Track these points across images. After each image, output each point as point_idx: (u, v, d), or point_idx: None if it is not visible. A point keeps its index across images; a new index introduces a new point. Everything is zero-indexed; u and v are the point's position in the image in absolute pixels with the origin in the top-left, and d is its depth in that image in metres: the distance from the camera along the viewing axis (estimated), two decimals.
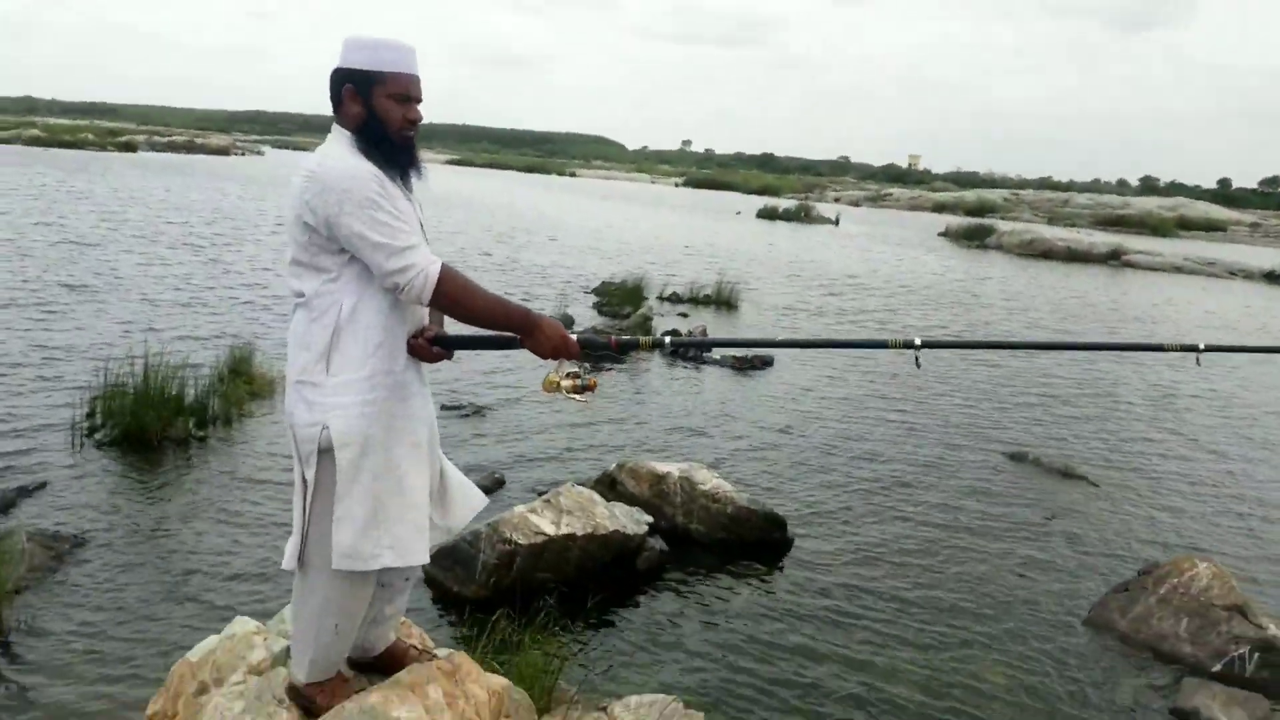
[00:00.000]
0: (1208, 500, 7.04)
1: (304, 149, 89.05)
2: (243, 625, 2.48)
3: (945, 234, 35.67)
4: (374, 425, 2.05)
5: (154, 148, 57.42)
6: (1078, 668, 4.42)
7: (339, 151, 2.04)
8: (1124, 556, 5.76)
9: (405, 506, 2.11)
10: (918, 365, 2.47)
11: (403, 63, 2.05)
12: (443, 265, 2.01)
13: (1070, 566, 5.59)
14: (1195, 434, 8.95)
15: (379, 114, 2.04)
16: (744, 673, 4.15)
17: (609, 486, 5.87)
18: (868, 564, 5.40)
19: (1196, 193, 77.97)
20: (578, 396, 2.15)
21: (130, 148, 53.25)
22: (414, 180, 2.14)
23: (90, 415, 6.41)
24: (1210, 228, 48.96)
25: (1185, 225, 47.97)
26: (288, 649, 2.34)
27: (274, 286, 12.36)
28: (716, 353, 10.71)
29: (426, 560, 2.17)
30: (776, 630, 4.56)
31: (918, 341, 2.33)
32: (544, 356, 2.13)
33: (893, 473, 7.06)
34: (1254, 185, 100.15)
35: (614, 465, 6.02)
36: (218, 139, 75.06)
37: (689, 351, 10.74)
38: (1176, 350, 2.72)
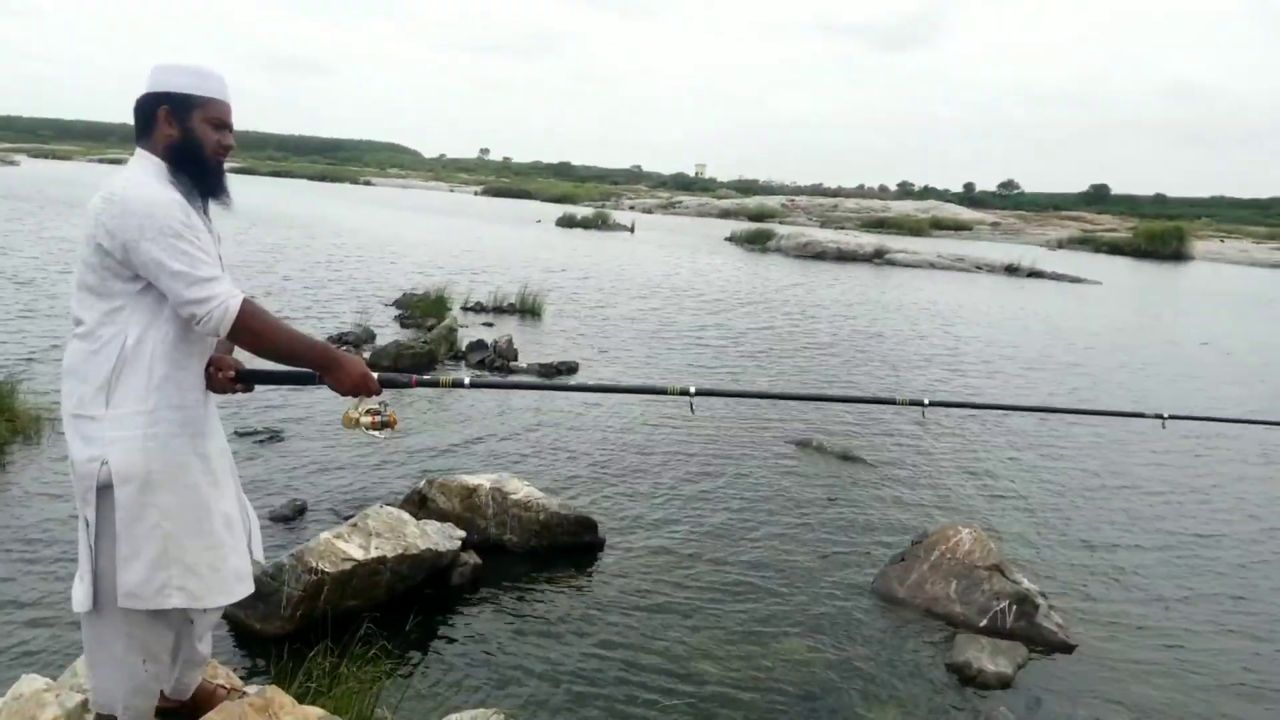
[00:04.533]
0: (968, 470, 7.87)
1: (65, 158, 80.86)
2: (30, 684, 2.30)
3: (731, 238, 37.45)
4: (157, 461, 1.99)
5: None
6: (865, 635, 4.85)
7: (142, 177, 2.00)
8: (900, 529, 6.35)
9: (202, 546, 2.05)
10: (692, 411, 2.74)
11: (220, 90, 2.08)
12: (244, 299, 1.99)
13: (854, 542, 6.10)
14: (952, 415, 9.94)
15: (196, 137, 2.04)
16: (563, 678, 4.24)
17: (419, 504, 5.80)
18: (674, 556, 5.65)
19: (946, 196, 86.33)
20: (377, 433, 2.18)
21: None
22: (214, 209, 2.12)
23: None
24: (959, 227, 54.44)
25: (938, 225, 53.03)
26: (84, 703, 2.20)
27: (36, 309, 11.19)
28: (523, 360, 10.77)
29: (228, 601, 2.12)
30: (592, 631, 4.69)
31: (693, 390, 2.60)
32: (344, 394, 2.13)
33: (693, 466, 7.40)
34: (993, 188, 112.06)
35: (423, 482, 5.95)
36: None
37: (496, 361, 10.74)
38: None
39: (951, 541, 5.41)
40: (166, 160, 2.02)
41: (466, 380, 2.37)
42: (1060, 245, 47.34)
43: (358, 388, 2.11)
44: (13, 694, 2.26)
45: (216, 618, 2.27)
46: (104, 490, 1.95)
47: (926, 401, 3.11)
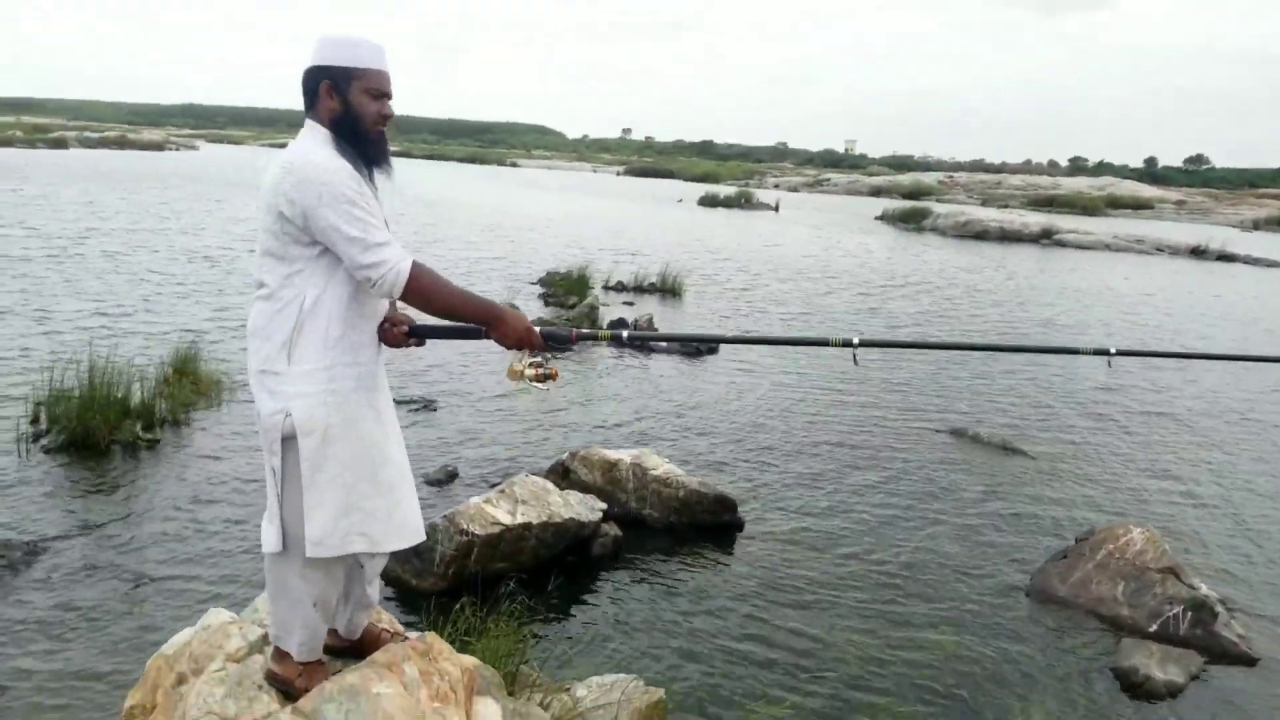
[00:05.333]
0: (1138, 468, 7.35)
1: (239, 143, 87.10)
2: (217, 616, 2.50)
3: (883, 217, 36.26)
4: (336, 414, 2.10)
5: (85, 144, 55.56)
6: (1021, 634, 4.61)
7: (314, 146, 2.08)
8: (1062, 525, 6.00)
9: (379, 493, 2.17)
10: (855, 363, 2.65)
11: (377, 59, 2.12)
12: (414, 262, 2.07)
13: (1011, 537, 5.80)
14: (1121, 405, 9.30)
15: (355, 109, 2.09)
16: (700, 651, 4.24)
17: (562, 475, 5.93)
18: (817, 541, 5.54)
19: (1124, 172, 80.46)
20: (540, 385, 2.23)
21: (60, 144, 51.43)
22: (380, 177, 2.19)
23: (35, 421, 6.26)
24: (1138, 206, 50.63)
25: (1114, 204, 49.55)
26: (264, 636, 2.36)
27: (219, 285, 12.11)
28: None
29: (402, 545, 2.23)
30: (729, 609, 4.66)
31: (855, 340, 2.51)
32: (509, 347, 2.21)
33: (839, 450, 7.23)
34: (1179, 163, 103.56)
35: (566, 455, 6.07)
36: (151, 134, 72.80)
37: (637, 339, 10.83)
38: (1090, 354, 2.91)
39: (1121, 540, 5.07)
40: (332, 131, 2.10)
41: (625, 334, 2.39)
42: (1256, 226, 43.29)
43: (522, 341, 2.18)
44: (202, 625, 2.46)
45: (384, 563, 2.41)
46: (288, 441, 2.08)
47: (1113, 350, 2.90)
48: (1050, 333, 13.35)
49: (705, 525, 5.64)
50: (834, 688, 4.01)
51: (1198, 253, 27.27)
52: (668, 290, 14.65)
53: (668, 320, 12.23)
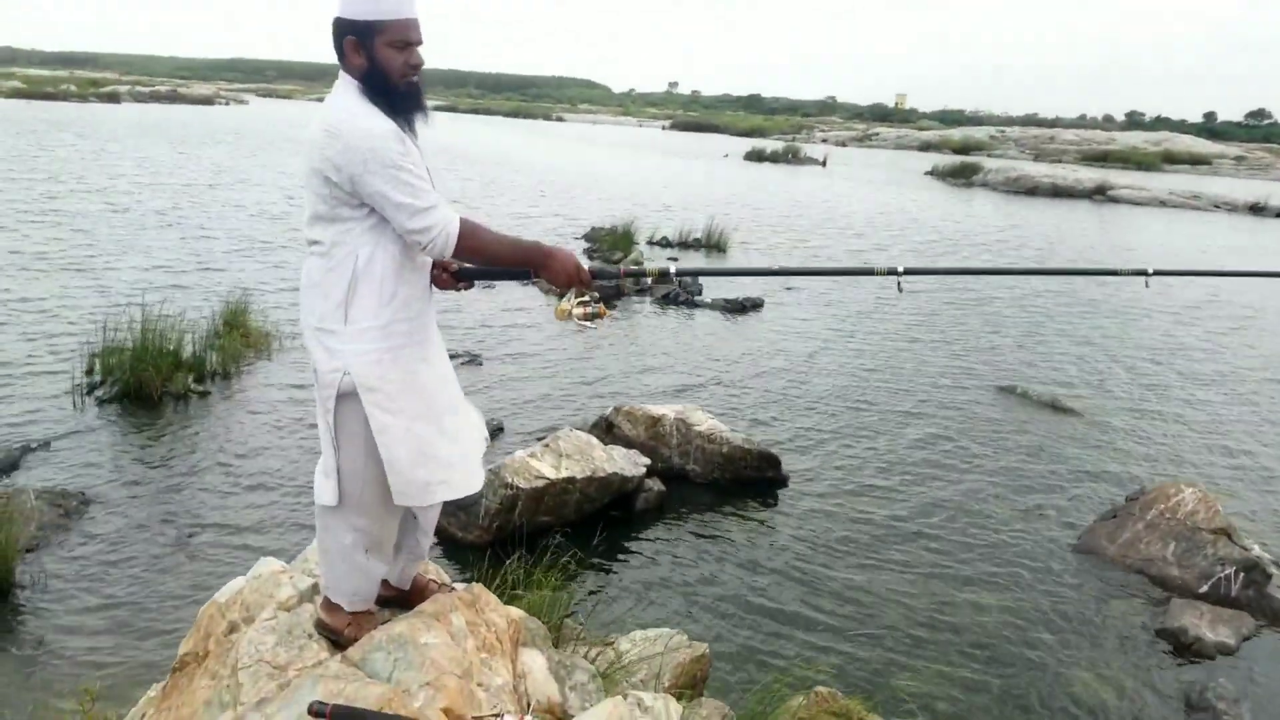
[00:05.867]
0: (1190, 428, 7.19)
1: (287, 97, 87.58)
2: (268, 565, 2.56)
3: (932, 173, 35.51)
4: (394, 370, 2.11)
5: (137, 98, 56.34)
6: (1069, 593, 4.56)
7: (351, 105, 2.05)
8: (1110, 484, 5.90)
9: (448, 440, 2.20)
10: (900, 290, 2.62)
11: (401, 8, 2.04)
12: (461, 220, 2.07)
13: (1058, 495, 5.72)
14: (1175, 365, 9.07)
15: (381, 64, 2.04)
16: (743, 605, 4.27)
17: (606, 430, 5.95)
18: (860, 497, 5.52)
19: (1183, 127, 77.65)
20: (589, 323, 2.24)
21: (113, 98, 52.25)
22: (419, 125, 2.14)
23: (89, 373, 6.43)
24: (1195, 161, 48.86)
25: (1170, 159, 47.88)
26: (315, 586, 2.41)
27: (269, 240, 12.27)
28: (707, 295, 10.76)
29: (478, 488, 2.26)
30: (773, 564, 4.68)
31: (900, 269, 2.49)
32: (559, 285, 2.22)
33: (882, 408, 7.17)
34: (1239, 118, 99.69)
35: (610, 409, 6.09)
36: (201, 88, 73.58)
37: (681, 295, 10.79)
38: (1129, 274, 2.82)
39: (1172, 500, 4.97)
40: (363, 84, 2.05)
41: (673, 269, 2.37)
42: None
43: (571, 279, 2.19)
44: (254, 573, 2.52)
45: (438, 513, 2.43)
46: (345, 398, 2.09)
47: (1150, 270, 2.85)
48: (1106, 295, 13.02)
49: (749, 481, 5.64)
50: (877, 645, 4.02)
51: (1256, 209, 26.34)
52: (713, 245, 14.54)
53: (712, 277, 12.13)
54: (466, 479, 2.23)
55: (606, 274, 2.25)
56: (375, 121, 2.01)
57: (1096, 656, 4.02)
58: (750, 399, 7.23)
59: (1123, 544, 4.87)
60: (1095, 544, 4.96)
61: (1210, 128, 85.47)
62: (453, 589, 2.46)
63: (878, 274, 2.57)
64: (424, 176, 2.05)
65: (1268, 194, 27.91)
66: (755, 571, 4.60)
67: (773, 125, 72.22)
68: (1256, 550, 4.71)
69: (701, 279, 11.37)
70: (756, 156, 40.26)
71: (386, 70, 2.05)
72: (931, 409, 7.23)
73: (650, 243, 14.57)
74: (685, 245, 14.60)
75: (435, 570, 2.70)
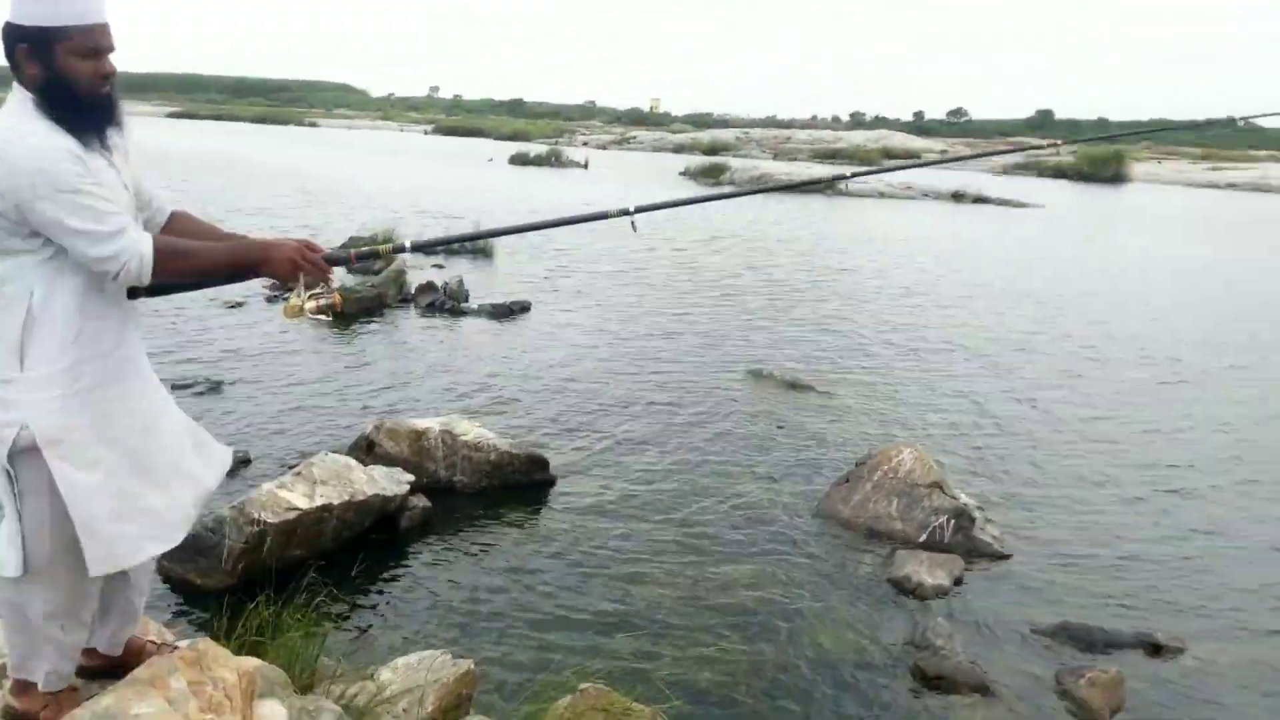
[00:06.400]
0: (909, 394, 8.03)
1: None
2: None
3: (686, 173, 37.15)
4: (83, 417, 1.88)
5: None
6: (810, 556, 4.97)
7: (20, 122, 1.81)
8: (845, 451, 6.47)
9: (157, 489, 2.00)
10: (634, 229, 2.81)
11: (87, 12, 1.81)
12: (154, 240, 1.87)
13: (802, 467, 6.21)
14: (893, 340, 10.08)
15: (64, 75, 1.81)
16: (512, 614, 4.30)
17: (367, 450, 5.78)
18: (625, 488, 5.72)
19: (897, 125, 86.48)
20: (324, 316, 2.08)
21: None
22: (115, 138, 1.93)
23: None
24: (908, 156, 54.67)
25: (889, 155, 53.21)
26: (2, 667, 2.16)
27: None
28: (474, 301, 10.69)
29: (180, 538, 2.08)
30: (541, 567, 4.75)
31: (632, 208, 2.63)
32: (286, 278, 2.04)
33: (646, 401, 7.45)
34: (943, 116, 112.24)
35: (371, 427, 5.92)
36: None
37: (446, 303, 10.64)
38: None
39: (894, 461, 5.53)
40: (40, 98, 1.81)
41: (408, 244, 2.33)
42: (1005, 171, 47.66)
43: (298, 265, 2.02)
44: None
45: (152, 567, 2.21)
46: (24, 454, 1.84)
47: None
48: (843, 281, 14.19)
49: (518, 485, 5.68)
50: (643, 634, 4.18)
51: (958, 197, 29.86)
52: (479, 251, 14.43)
53: (480, 282, 12.05)
54: (175, 530, 2.05)
55: (337, 260, 2.14)
56: (48, 139, 1.78)
57: (834, 612, 4.41)
58: (519, 403, 7.28)
59: (855, 505, 5.37)
60: (832, 508, 5.44)
61: (919, 125, 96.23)
62: (174, 648, 2.28)
63: (611, 216, 2.74)
64: (110, 199, 1.83)
65: (966, 183, 31.63)
66: (524, 577, 4.65)
67: (536, 129, 72.53)
68: (963, 498, 5.34)
69: (466, 286, 11.26)
70: (521, 160, 40.34)
71: (70, 81, 1.82)
72: (688, 398, 7.59)
73: (414, 249, 14.22)
74: (451, 252, 14.39)
75: (156, 629, 2.50)
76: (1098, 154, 44.19)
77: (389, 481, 5.20)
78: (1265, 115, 5.90)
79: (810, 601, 4.50)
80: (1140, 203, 33.31)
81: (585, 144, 63.72)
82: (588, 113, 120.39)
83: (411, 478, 5.38)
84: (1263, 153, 76.53)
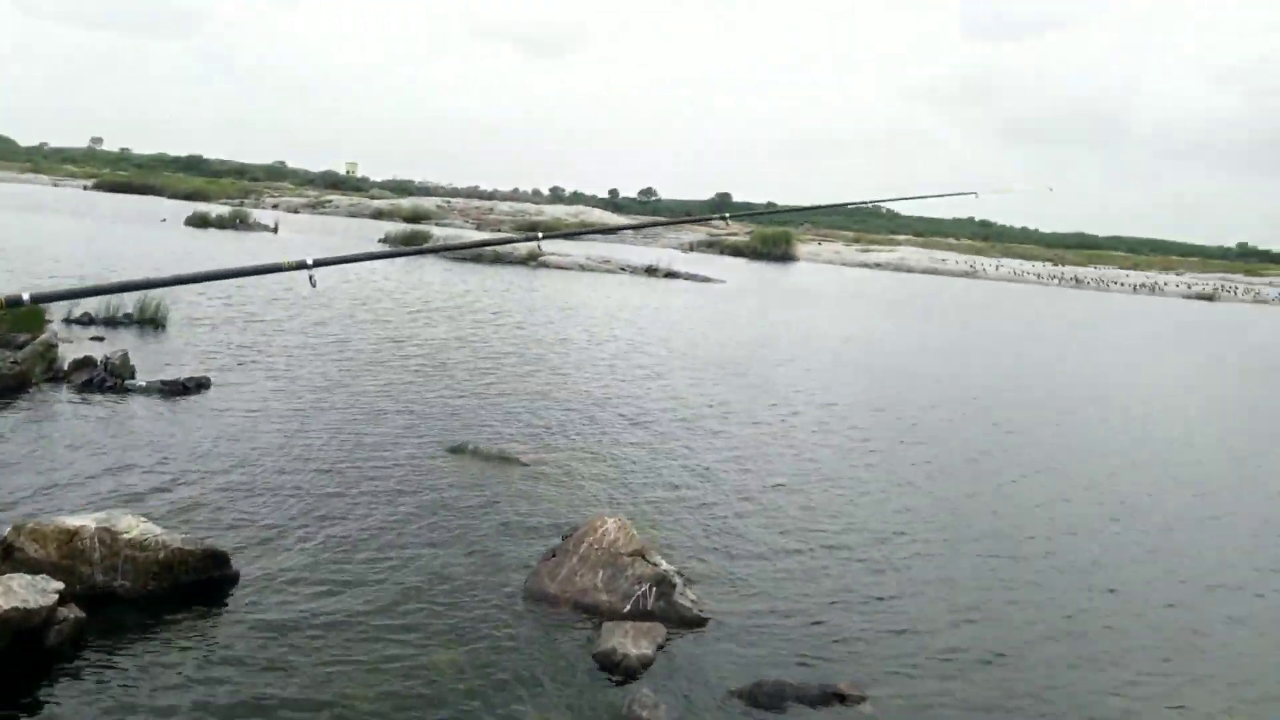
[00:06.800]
0: (614, 464, 8.31)
1: None
2: None
3: (386, 240, 36.46)
4: None
5: None
6: (517, 636, 4.91)
7: None
8: (554, 525, 6.52)
9: None
10: (313, 284, 2.63)
11: None
12: None
13: (509, 544, 6.16)
14: (592, 413, 10.45)
15: None
16: None
17: (4, 557, 4.94)
18: (319, 577, 5.33)
19: (593, 201, 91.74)
20: None
21: None
22: None
23: None
24: (605, 232, 57.82)
25: (585, 227, 55.95)
26: None
27: None
28: (142, 378, 9.61)
29: None
30: (221, 678, 4.27)
31: (310, 261, 2.52)
32: None
33: (341, 482, 7.05)
34: (635, 194, 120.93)
35: (9, 529, 5.07)
36: None
37: (108, 380, 9.45)
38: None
39: (599, 532, 5.66)
40: None
41: (26, 296, 1.99)
42: (692, 248, 51.95)
43: None
44: None
45: None
46: None
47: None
48: (552, 356, 14.49)
49: (194, 587, 5.09)
50: None
51: (651, 271, 32.10)
52: (147, 320, 13.04)
53: (150, 356, 10.85)
54: None
55: None
56: None
57: (542, 695, 4.38)
58: (195, 492, 6.57)
59: (562, 580, 5.41)
60: (539, 584, 5.44)
61: (614, 202, 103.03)
62: None
63: (286, 269, 2.57)
64: None
65: (658, 258, 34.16)
66: (199, 691, 4.14)
67: (218, 189, 67.68)
68: (664, 565, 5.57)
69: (132, 361, 10.08)
70: (200, 221, 37.29)
71: None
72: (386, 478, 7.30)
73: (68, 320, 12.57)
74: (114, 322, 12.88)
75: None
76: (769, 234, 49.36)
77: (31, 592, 4.46)
78: (899, 200, 6.98)
79: (518, 686, 4.43)
80: (805, 279, 37.57)
81: (275, 206, 60.59)
82: (277, 173, 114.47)
83: (61, 585, 4.64)
84: (901, 236, 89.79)
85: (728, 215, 6.35)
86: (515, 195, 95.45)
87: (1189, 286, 55.34)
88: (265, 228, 37.97)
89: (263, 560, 5.52)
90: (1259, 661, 5.55)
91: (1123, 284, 55.29)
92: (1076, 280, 54.36)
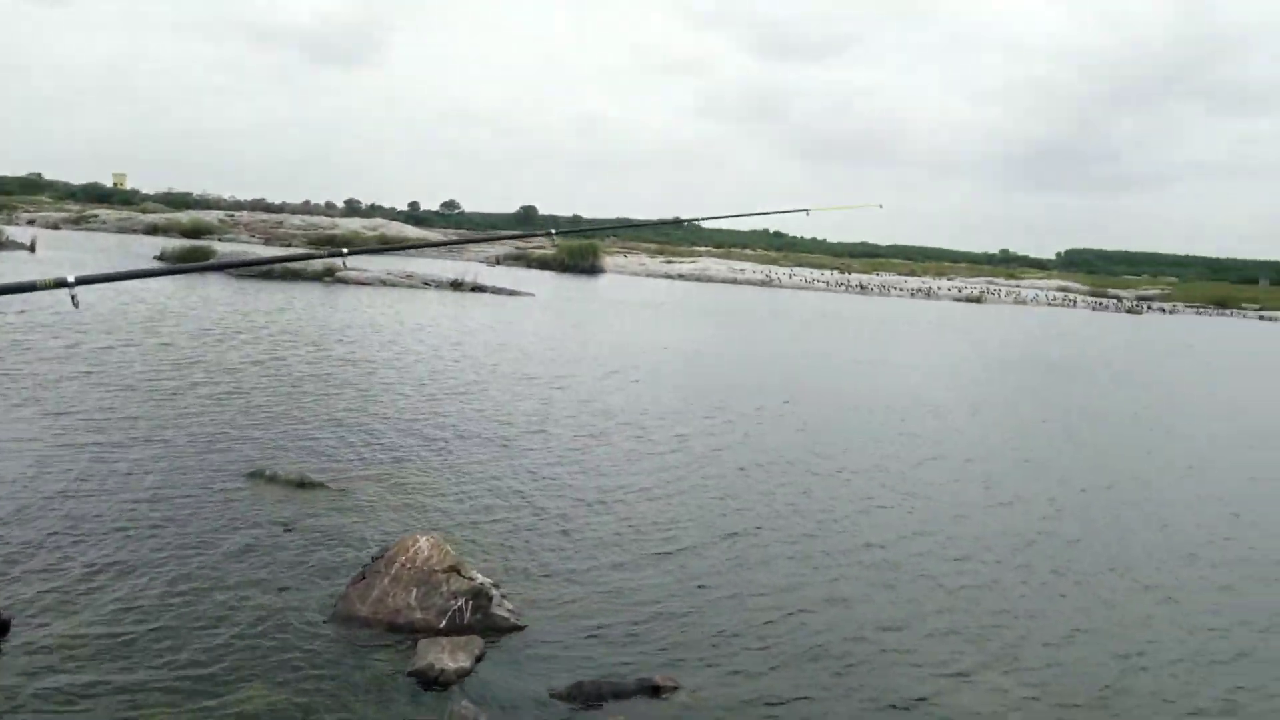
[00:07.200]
0: (425, 481, 8.14)
1: None
2: None
3: (163, 257, 33.88)
4: None
5: None
6: (331, 662, 4.73)
7: None
8: (363, 548, 6.31)
9: None
10: (75, 304, 2.53)
11: None
12: None
13: (314, 570, 5.90)
14: (414, 427, 10.21)
15: None
16: None
17: None
18: (103, 629, 4.89)
19: (393, 214, 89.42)
20: None
21: None
22: None
23: None
24: (406, 246, 56.65)
25: (386, 243, 54.37)
26: None
27: None
28: None
29: None
30: None
31: (72, 279, 2.40)
32: None
33: (125, 521, 6.49)
34: (437, 207, 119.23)
35: None
36: None
37: None
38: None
39: (411, 551, 5.54)
40: None
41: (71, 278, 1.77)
42: (499, 261, 51.55)
43: None
44: None
45: None
46: None
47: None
48: (358, 368, 13.96)
49: None
50: None
51: (457, 285, 31.63)
52: None
53: None
54: None
55: None
56: None
57: (359, 716, 4.24)
58: None
59: (373, 601, 5.25)
60: (350, 608, 5.25)
61: (415, 215, 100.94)
62: None
63: (41, 287, 2.43)
64: None
65: (464, 271, 33.64)
66: None
67: None
68: (480, 578, 5.54)
69: None
70: None
71: None
72: (180, 508, 6.81)
73: None
74: None
75: None
76: (576, 247, 49.80)
77: None
78: (703, 219, 7.33)
79: (334, 712, 4.27)
80: (614, 291, 38.22)
81: (32, 223, 54.91)
82: (33, 186, 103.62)
83: None
84: (701, 248, 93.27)
85: (554, 230, 6.38)
86: (307, 208, 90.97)
87: (959, 290, 60.81)
88: (21, 245, 34.27)
89: (42, 620, 4.97)
90: (1038, 623, 6.21)
91: (901, 289, 59.98)
92: (861, 287, 58.44)
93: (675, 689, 4.78)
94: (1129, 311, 55.32)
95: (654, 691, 4.73)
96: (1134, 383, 22.10)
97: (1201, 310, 59.60)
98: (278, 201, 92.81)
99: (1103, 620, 6.31)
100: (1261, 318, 57.79)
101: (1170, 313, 56.70)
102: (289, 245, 46.10)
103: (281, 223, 57.52)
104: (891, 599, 6.40)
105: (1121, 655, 5.74)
